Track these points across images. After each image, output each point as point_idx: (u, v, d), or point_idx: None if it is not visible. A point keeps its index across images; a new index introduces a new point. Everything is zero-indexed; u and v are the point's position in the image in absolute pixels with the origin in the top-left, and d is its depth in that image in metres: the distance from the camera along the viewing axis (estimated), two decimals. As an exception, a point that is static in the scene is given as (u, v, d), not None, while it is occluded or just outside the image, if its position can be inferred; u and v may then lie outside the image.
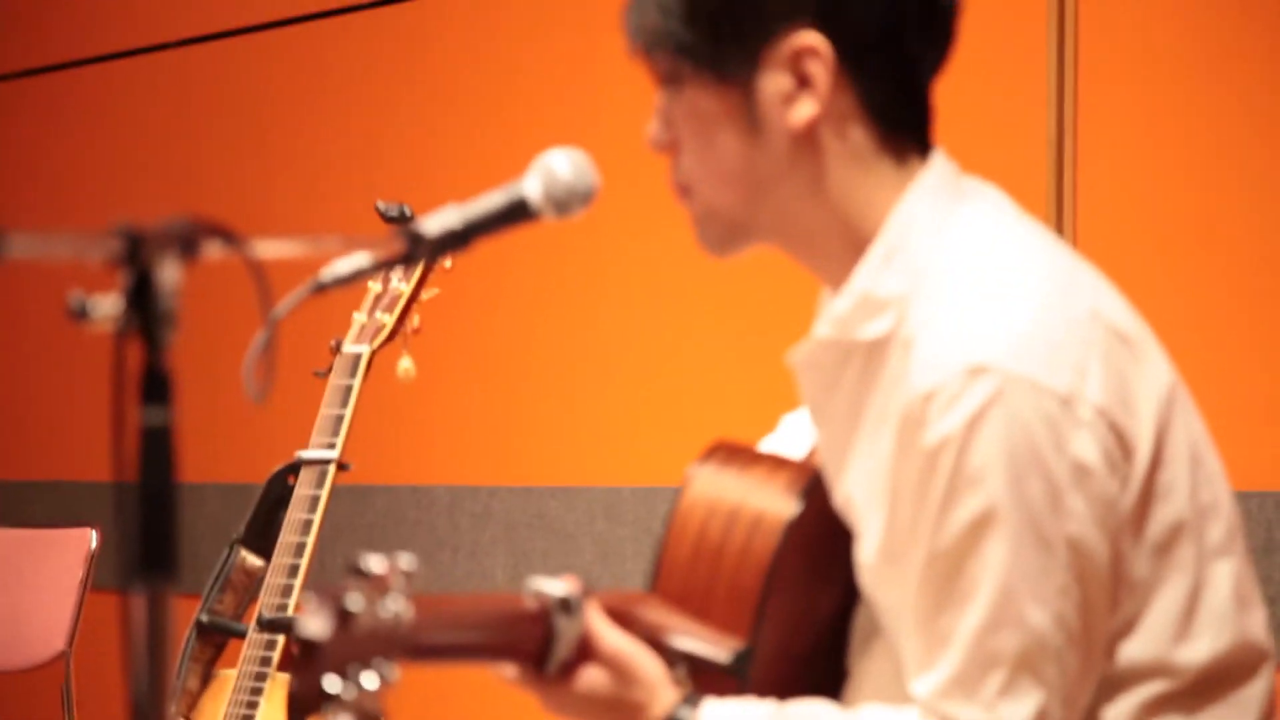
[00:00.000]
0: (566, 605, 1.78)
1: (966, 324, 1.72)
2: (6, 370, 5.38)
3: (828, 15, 1.77)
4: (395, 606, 1.62)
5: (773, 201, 1.81)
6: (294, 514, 3.01)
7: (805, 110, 1.78)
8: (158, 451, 1.39)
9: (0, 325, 5.38)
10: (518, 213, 1.78)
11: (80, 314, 1.38)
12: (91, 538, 4.09)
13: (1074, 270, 1.80)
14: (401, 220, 2.99)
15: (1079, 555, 1.69)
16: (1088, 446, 1.69)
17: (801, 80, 1.78)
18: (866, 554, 1.80)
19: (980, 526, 1.68)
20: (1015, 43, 3.44)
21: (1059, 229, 3.36)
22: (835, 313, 1.81)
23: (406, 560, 1.62)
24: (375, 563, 1.61)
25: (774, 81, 1.78)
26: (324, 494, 3.01)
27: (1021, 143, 3.43)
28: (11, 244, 1.33)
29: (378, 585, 1.61)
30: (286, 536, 3.00)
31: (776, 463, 1.92)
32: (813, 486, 1.87)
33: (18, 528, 4.41)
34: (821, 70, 1.77)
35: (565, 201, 1.79)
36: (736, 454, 1.93)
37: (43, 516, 4.90)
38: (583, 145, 1.84)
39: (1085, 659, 1.71)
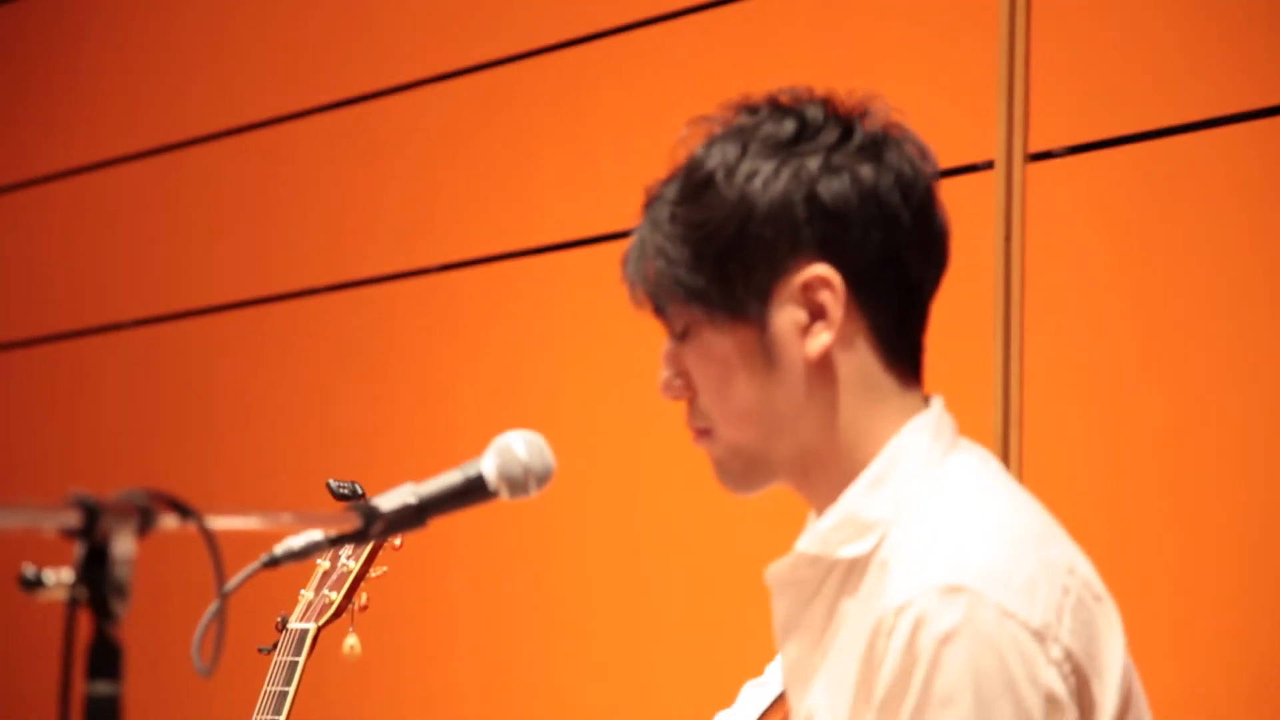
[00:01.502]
0: None
1: (945, 548, 1.73)
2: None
3: (830, 244, 1.79)
4: None
5: (791, 433, 1.82)
6: (232, 793, 2.96)
7: (821, 340, 1.80)
8: (104, 725, 1.37)
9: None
10: (474, 492, 1.79)
11: (34, 584, 1.37)
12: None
13: (1053, 528, 1.82)
14: (353, 498, 2.99)
15: None
16: (1057, 684, 1.69)
17: (814, 311, 1.80)
18: None
19: None
20: (962, 280, 3.48)
21: (1005, 458, 3.36)
22: (818, 529, 1.82)
23: None
24: None
25: (787, 315, 1.80)
26: (264, 773, 2.96)
27: (969, 376, 3.45)
28: (-31, 513, 1.33)
29: None
30: (224, 816, 2.95)
31: None
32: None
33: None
34: (833, 299, 1.79)
35: (521, 482, 1.80)
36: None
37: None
38: (536, 423, 1.85)
39: None
